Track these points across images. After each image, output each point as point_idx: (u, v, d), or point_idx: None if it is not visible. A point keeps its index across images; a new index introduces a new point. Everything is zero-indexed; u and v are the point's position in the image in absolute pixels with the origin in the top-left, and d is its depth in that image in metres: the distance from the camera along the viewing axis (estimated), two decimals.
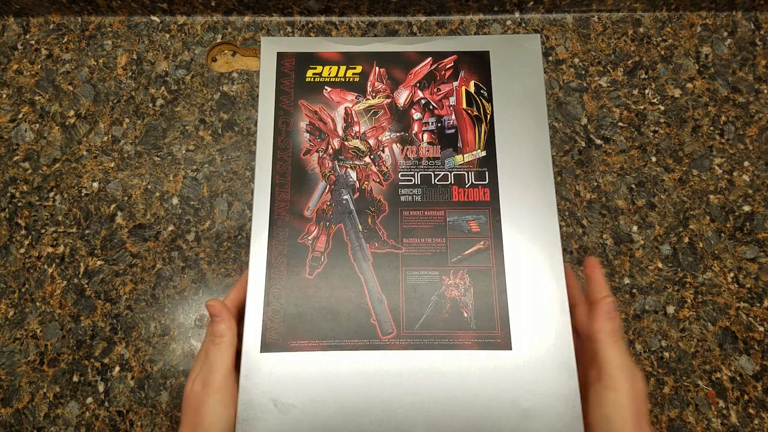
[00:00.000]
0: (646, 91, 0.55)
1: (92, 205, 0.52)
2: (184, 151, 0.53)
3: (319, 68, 0.51)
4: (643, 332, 0.48)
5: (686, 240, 0.51)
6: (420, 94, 0.51)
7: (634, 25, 0.58)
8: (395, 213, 0.46)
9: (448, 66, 0.51)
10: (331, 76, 0.51)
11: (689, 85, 0.56)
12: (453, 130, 0.49)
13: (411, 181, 0.48)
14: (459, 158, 0.48)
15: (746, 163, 0.53)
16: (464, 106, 0.50)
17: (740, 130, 0.54)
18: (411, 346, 0.42)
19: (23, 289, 0.49)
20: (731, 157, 0.53)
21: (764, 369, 0.47)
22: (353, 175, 0.48)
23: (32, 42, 0.57)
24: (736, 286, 0.49)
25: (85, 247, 0.51)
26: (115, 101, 0.55)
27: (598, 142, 0.54)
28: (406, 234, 0.46)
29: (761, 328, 0.48)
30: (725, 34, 0.57)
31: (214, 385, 0.38)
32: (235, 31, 0.57)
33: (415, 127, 0.50)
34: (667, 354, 0.47)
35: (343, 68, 0.51)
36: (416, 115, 0.50)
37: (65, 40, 0.57)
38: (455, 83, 0.51)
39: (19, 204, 0.52)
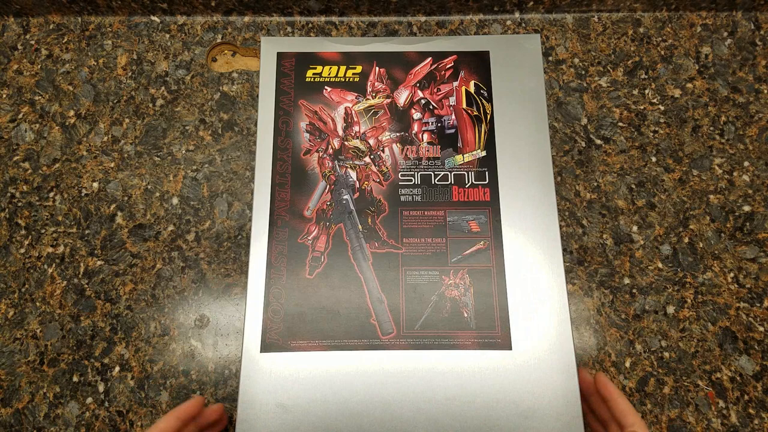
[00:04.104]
0: (646, 91, 0.55)
1: (92, 205, 0.52)
2: (184, 151, 0.53)
3: (319, 68, 0.51)
4: (643, 332, 0.48)
5: (686, 240, 0.51)
6: (420, 94, 0.51)
7: (634, 25, 0.58)
8: (395, 213, 0.46)
9: (448, 66, 0.51)
10: (331, 76, 0.51)
11: (689, 85, 0.56)
12: (453, 130, 0.49)
13: (411, 181, 0.48)
14: (459, 158, 0.49)
15: (746, 163, 0.53)
16: (464, 106, 0.50)
17: (740, 130, 0.54)
18: (411, 346, 0.42)
19: (23, 289, 0.49)
20: (731, 157, 0.53)
21: (764, 369, 0.47)
22: (353, 175, 0.48)
23: (32, 42, 0.57)
24: (736, 286, 0.49)
25: (85, 247, 0.51)
26: (115, 101, 0.55)
27: (598, 142, 0.54)
28: (406, 234, 0.46)
29: (761, 328, 0.48)
30: (725, 34, 0.57)
31: None
32: (235, 31, 0.57)
33: (415, 127, 0.50)
34: (667, 354, 0.47)
35: (343, 68, 0.51)
36: (416, 115, 0.50)
37: (65, 40, 0.57)
38: (455, 83, 0.51)
39: (19, 204, 0.52)
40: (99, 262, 0.50)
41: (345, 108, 0.50)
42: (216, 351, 0.48)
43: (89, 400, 0.46)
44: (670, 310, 0.49)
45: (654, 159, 0.53)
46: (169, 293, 0.49)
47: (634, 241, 0.51)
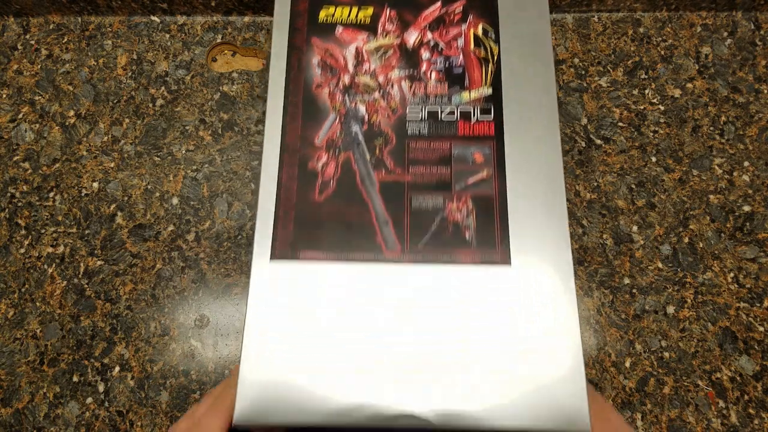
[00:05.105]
0: (646, 91, 0.55)
1: (92, 205, 0.52)
2: (184, 151, 0.53)
3: (331, 9, 0.53)
4: (643, 332, 0.48)
5: (686, 240, 0.51)
6: (429, 35, 0.52)
7: (634, 25, 0.58)
8: (402, 145, 0.48)
9: (457, 10, 0.53)
10: (343, 17, 0.53)
11: (689, 85, 0.56)
12: (461, 69, 0.51)
13: (418, 116, 0.50)
14: (466, 95, 0.50)
15: (746, 163, 0.53)
16: (472, 47, 0.52)
17: (740, 130, 0.54)
18: (414, 260, 0.45)
19: (23, 289, 0.49)
20: (731, 157, 0.53)
21: (764, 369, 0.47)
22: (362, 109, 0.50)
23: (32, 42, 0.57)
24: (736, 286, 0.49)
25: (85, 247, 0.51)
26: (115, 101, 0.55)
27: (598, 142, 0.54)
28: (412, 164, 0.48)
29: (761, 328, 0.48)
30: (725, 34, 0.58)
31: None
32: (235, 31, 0.57)
33: (424, 66, 0.51)
34: (667, 354, 0.47)
35: (355, 9, 0.53)
36: (425, 55, 0.51)
37: (65, 40, 0.57)
38: (464, 26, 0.52)
39: (19, 204, 0.52)
40: (99, 262, 0.50)
41: (356, 47, 0.52)
42: (216, 351, 0.48)
43: (89, 400, 0.46)
44: (670, 310, 0.49)
45: (654, 159, 0.53)
46: (169, 293, 0.49)
47: (634, 241, 0.51)
